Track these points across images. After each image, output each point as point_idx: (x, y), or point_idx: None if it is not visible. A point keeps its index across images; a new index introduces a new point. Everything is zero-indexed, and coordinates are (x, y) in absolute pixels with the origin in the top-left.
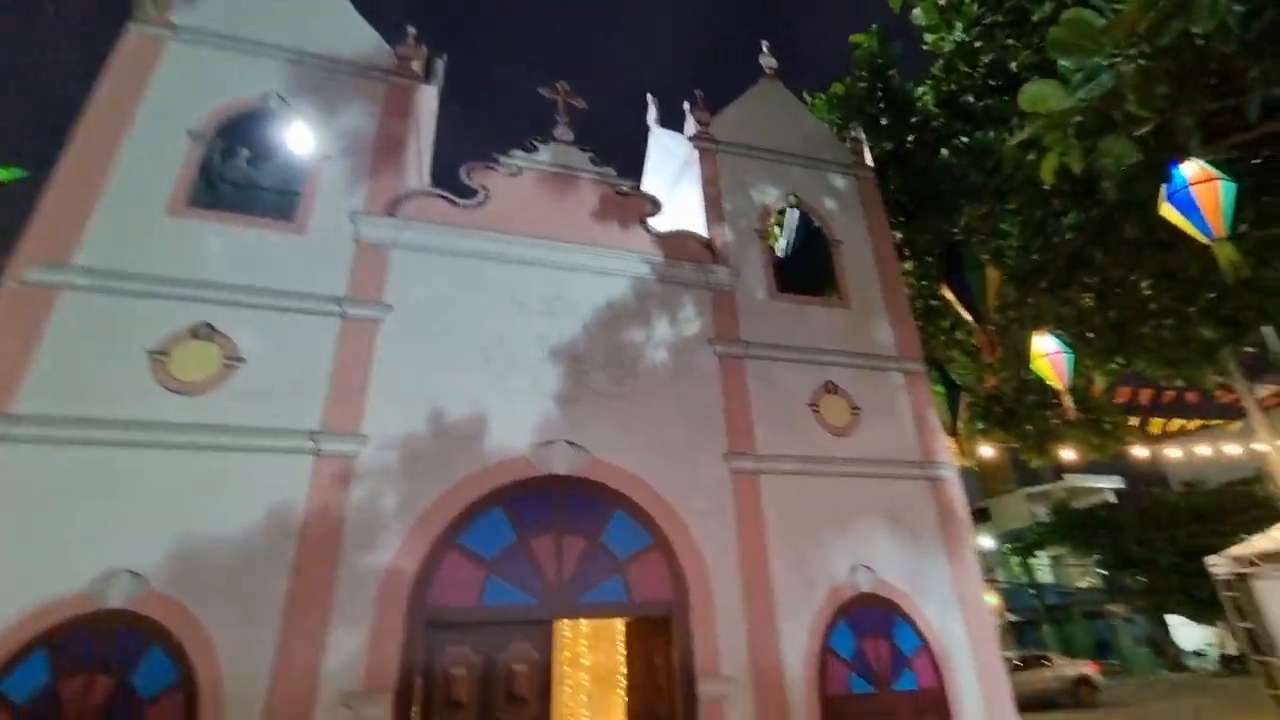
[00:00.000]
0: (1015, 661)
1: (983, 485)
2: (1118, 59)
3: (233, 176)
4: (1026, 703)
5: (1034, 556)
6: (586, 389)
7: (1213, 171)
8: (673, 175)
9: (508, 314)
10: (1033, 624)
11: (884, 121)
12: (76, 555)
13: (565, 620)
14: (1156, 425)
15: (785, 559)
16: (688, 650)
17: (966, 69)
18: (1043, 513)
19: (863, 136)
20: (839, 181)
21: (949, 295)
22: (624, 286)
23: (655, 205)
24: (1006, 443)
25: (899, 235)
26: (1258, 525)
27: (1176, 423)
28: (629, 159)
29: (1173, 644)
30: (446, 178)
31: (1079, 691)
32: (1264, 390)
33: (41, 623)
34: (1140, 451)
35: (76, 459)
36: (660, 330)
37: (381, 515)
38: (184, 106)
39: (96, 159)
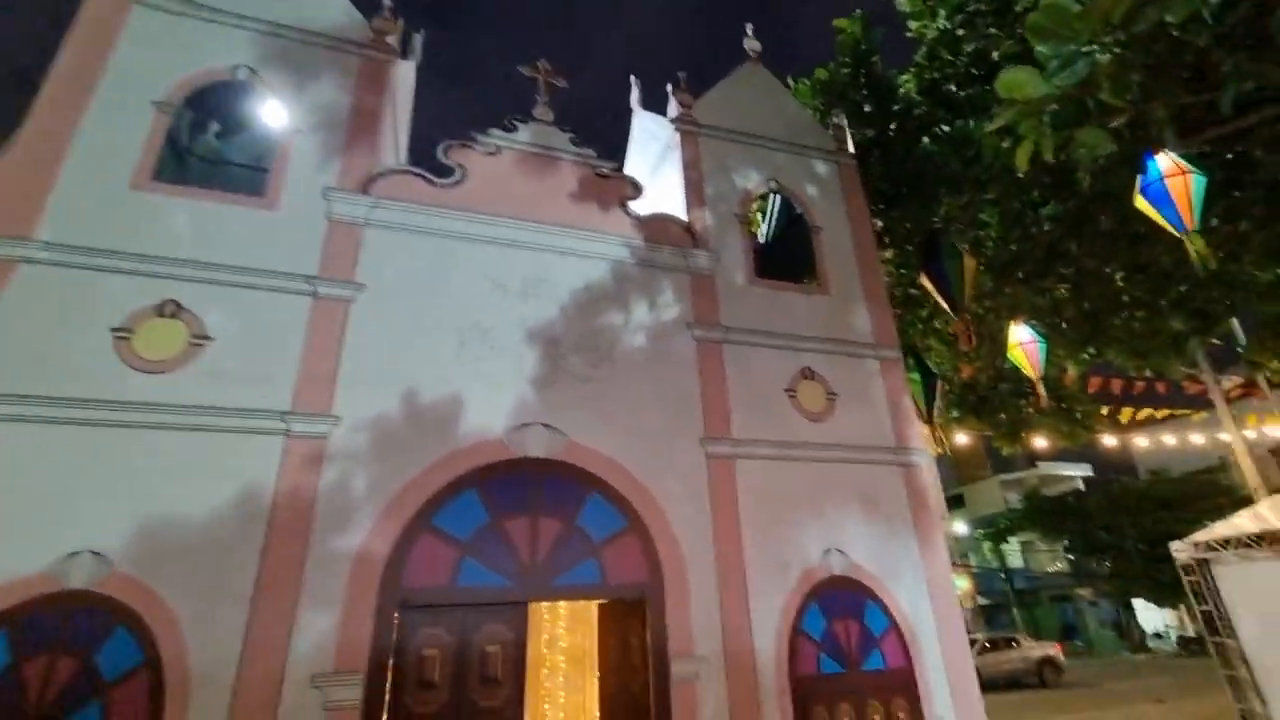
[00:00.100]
0: (985, 643)
1: (959, 472)
2: (1094, 47)
3: (202, 151)
4: (994, 683)
5: (1006, 542)
6: (564, 372)
7: (1185, 165)
8: (655, 158)
9: (484, 295)
10: (1003, 607)
11: (867, 108)
12: (38, 535)
13: (544, 604)
14: (1126, 414)
15: (759, 542)
16: (661, 631)
17: (949, 57)
18: (1016, 499)
19: (845, 123)
20: (821, 168)
21: (927, 284)
22: (603, 269)
23: (636, 188)
24: (981, 431)
25: (879, 223)
26: (1221, 512)
27: (1146, 412)
28: (615, 141)
29: (1136, 626)
30: (426, 157)
31: (1044, 672)
32: (1230, 381)
33: (1, 602)
34: (1110, 440)
35: (37, 438)
36: (639, 314)
37: (354, 497)
38: (150, 77)
39: (58, 130)
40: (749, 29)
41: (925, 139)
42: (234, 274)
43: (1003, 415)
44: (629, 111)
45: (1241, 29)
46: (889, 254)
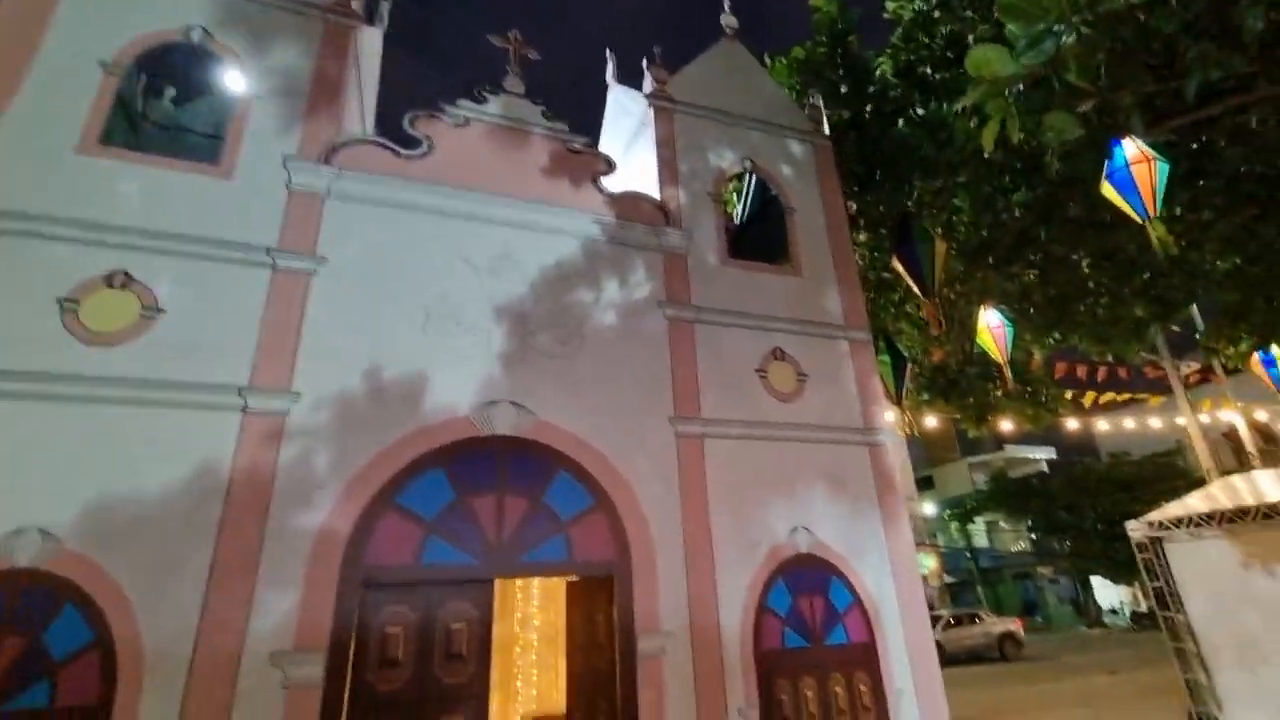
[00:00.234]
0: (949, 619)
1: (929, 454)
2: (1063, 27)
3: (156, 116)
4: (957, 657)
5: (972, 522)
6: (532, 350)
7: (1150, 152)
8: (629, 134)
9: (451, 271)
10: (968, 585)
11: (843, 89)
12: None
13: (517, 583)
14: (1089, 398)
15: (727, 520)
16: (628, 608)
17: (925, 39)
18: (983, 481)
19: (821, 104)
20: (796, 148)
21: (899, 267)
22: (573, 246)
23: (609, 164)
24: (949, 414)
25: (853, 205)
26: (1176, 494)
27: (1108, 396)
28: (590, 116)
29: (1093, 603)
30: (394, 128)
31: (1005, 646)
32: (1188, 367)
33: None
34: (1073, 423)
35: None
36: (610, 292)
37: (315, 474)
38: (97, 36)
39: None
40: (726, 4)
41: (900, 122)
42: (187, 244)
43: (971, 399)
44: (604, 86)
45: (1207, 17)
46: (862, 237)
